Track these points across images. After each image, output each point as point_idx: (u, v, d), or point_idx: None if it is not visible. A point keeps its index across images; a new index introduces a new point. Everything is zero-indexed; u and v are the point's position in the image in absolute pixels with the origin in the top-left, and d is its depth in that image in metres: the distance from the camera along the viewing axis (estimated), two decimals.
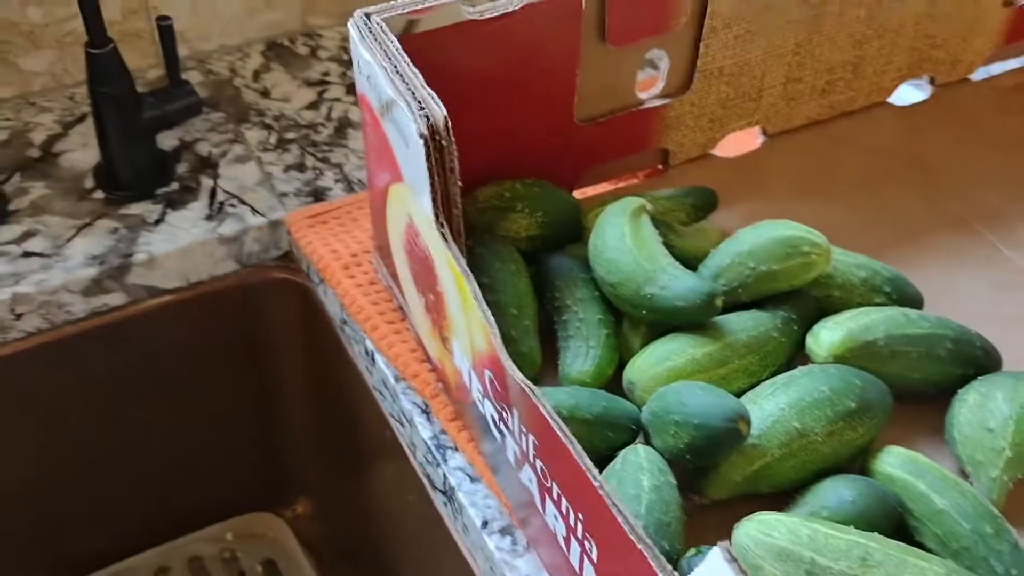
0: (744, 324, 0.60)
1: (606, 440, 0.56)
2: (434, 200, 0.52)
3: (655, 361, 0.59)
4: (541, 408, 0.45)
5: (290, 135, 0.83)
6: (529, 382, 0.46)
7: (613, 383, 0.61)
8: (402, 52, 0.54)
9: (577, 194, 0.73)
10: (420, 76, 0.53)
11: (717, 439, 0.52)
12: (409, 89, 0.52)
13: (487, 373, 0.51)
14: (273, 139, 0.82)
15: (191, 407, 0.84)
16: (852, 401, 0.56)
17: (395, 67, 0.53)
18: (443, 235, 0.52)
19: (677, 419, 0.53)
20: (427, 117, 0.51)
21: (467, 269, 0.50)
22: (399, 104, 0.52)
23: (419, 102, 0.51)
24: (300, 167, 0.80)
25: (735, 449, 0.53)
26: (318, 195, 0.78)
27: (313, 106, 0.85)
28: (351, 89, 0.87)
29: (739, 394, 0.58)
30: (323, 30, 0.93)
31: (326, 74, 0.89)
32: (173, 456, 0.86)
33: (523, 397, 0.47)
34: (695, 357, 0.58)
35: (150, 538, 0.90)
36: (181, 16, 0.85)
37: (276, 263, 0.78)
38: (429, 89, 0.52)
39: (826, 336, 0.60)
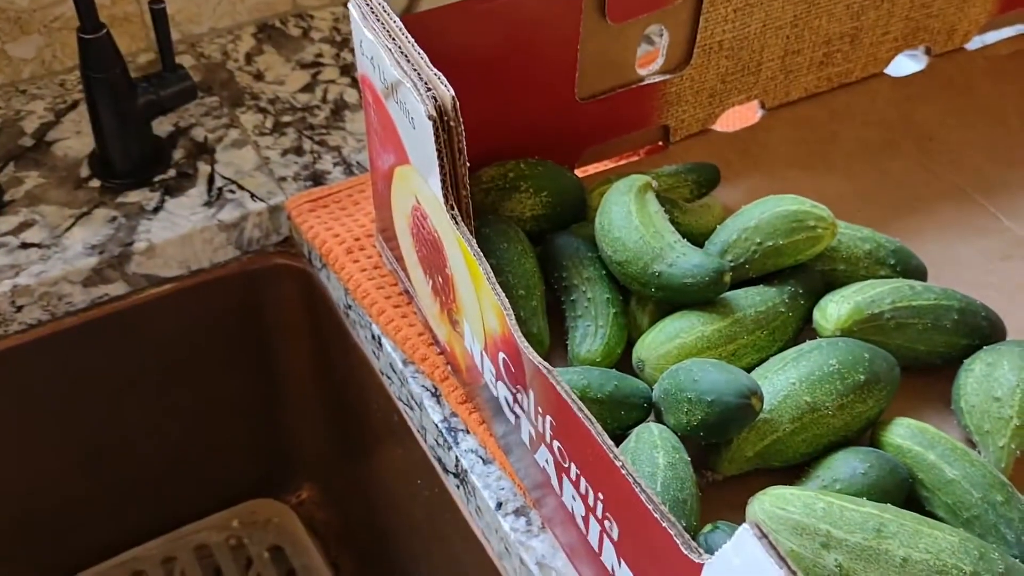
0: (752, 300, 0.60)
1: (618, 419, 0.56)
2: (443, 182, 0.51)
3: (665, 339, 0.59)
4: (559, 388, 0.45)
5: (286, 118, 0.82)
6: (546, 363, 0.46)
7: (622, 362, 0.61)
8: (406, 32, 0.54)
9: (579, 172, 0.73)
10: (425, 56, 0.52)
11: (730, 415, 0.52)
12: (415, 70, 0.52)
13: (501, 355, 0.51)
14: (269, 123, 0.81)
15: (194, 395, 0.84)
16: (861, 374, 0.56)
17: (400, 48, 0.53)
18: (453, 217, 0.52)
19: (690, 396, 0.53)
20: (435, 98, 0.50)
21: (479, 251, 0.50)
22: (405, 85, 0.51)
23: (426, 83, 0.51)
24: (298, 151, 0.79)
25: (748, 425, 0.54)
26: (317, 179, 0.77)
27: (308, 88, 0.85)
28: (345, 70, 0.86)
29: (748, 369, 0.58)
30: (314, 11, 0.92)
31: (319, 56, 0.88)
32: (177, 444, 0.86)
33: (540, 378, 0.47)
34: (704, 334, 0.58)
35: (156, 527, 0.90)
36: None
37: (277, 248, 0.78)
38: (435, 69, 0.51)
39: (833, 310, 0.60)
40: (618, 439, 0.56)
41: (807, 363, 0.57)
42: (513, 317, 0.48)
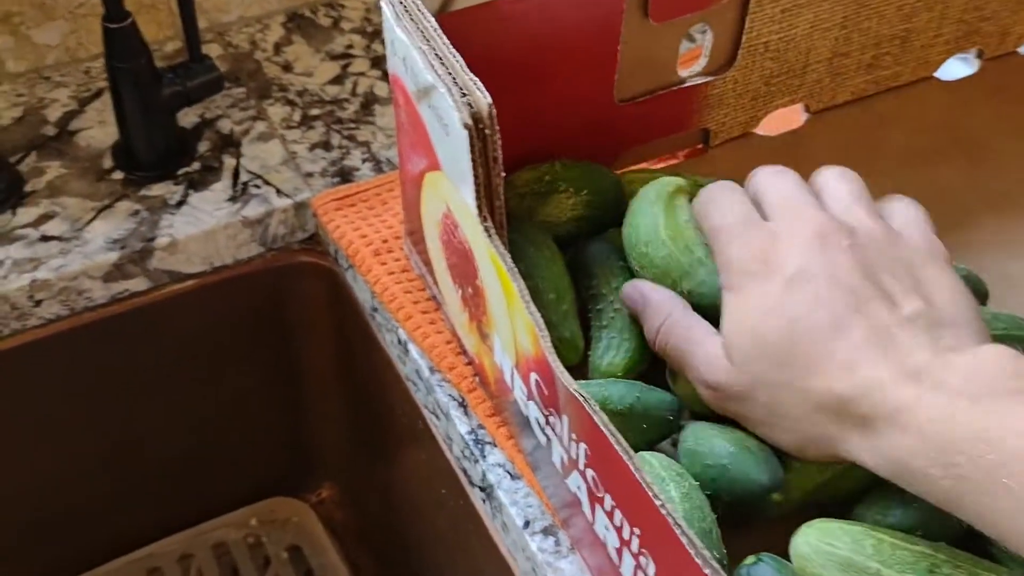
0: None
1: (642, 434, 0.53)
2: (477, 192, 0.49)
3: None
4: (595, 418, 0.43)
5: (314, 111, 0.80)
6: (584, 391, 0.43)
7: (645, 378, 0.57)
8: (441, 33, 0.51)
9: None
10: (461, 59, 0.50)
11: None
12: (450, 74, 0.49)
13: (533, 376, 0.49)
14: (297, 116, 0.79)
15: (215, 392, 0.82)
16: None
17: (434, 50, 0.50)
18: (486, 229, 0.49)
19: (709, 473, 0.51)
20: (470, 105, 0.48)
21: (513, 267, 0.48)
22: (439, 90, 0.49)
23: (461, 88, 0.48)
24: (326, 145, 0.77)
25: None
26: (345, 175, 0.75)
27: (337, 80, 0.82)
28: (376, 63, 0.84)
29: None
30: (346, 0, 0.89)
31: (350, 47, 0.85)
32: (197, 442, 0.84)
33: (574, 404, 0.44)
34: None
35: (174, 524, 0.89)
36: None
37: (302, 246, 0.76)
38: (472, 74, 0.49)
39: None
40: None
41: None
42: (548, 338, 0.46)
